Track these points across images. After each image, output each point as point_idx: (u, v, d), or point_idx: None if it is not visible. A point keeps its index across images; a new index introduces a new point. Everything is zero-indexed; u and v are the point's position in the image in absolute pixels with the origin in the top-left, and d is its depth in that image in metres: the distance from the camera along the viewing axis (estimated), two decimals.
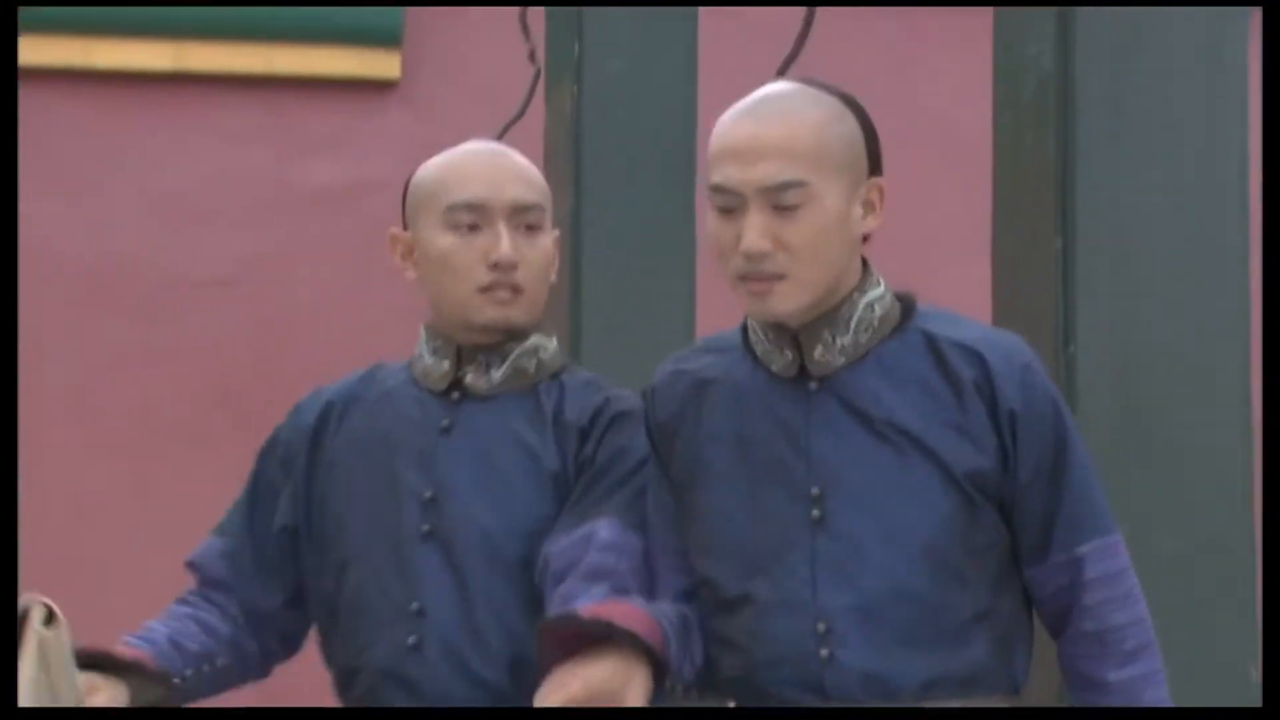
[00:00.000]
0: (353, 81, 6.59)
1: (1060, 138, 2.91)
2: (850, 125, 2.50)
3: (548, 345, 2.79)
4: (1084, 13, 2.94)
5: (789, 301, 2.47)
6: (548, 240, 2.78)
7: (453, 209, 2.74)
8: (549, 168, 4.05)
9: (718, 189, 2.48)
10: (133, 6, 6.52)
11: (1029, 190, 3.00)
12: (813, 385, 2.51)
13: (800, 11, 4.19)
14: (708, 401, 2.57)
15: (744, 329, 2.57)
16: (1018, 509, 2.51)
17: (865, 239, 2.53)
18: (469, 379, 2.76)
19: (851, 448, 2.49)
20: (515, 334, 2.76)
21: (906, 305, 2.54)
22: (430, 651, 2.67)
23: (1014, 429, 2.49)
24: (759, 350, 2.54)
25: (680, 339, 3.78)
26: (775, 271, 2.46)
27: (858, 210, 2.50)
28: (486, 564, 2.69)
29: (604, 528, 2.62)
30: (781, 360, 2.52)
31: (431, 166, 2.82)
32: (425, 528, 2.71)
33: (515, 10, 4.30)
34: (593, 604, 2.50)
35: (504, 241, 2.72)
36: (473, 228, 2.73)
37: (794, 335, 2.51)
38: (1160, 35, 2.96)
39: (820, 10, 4.16)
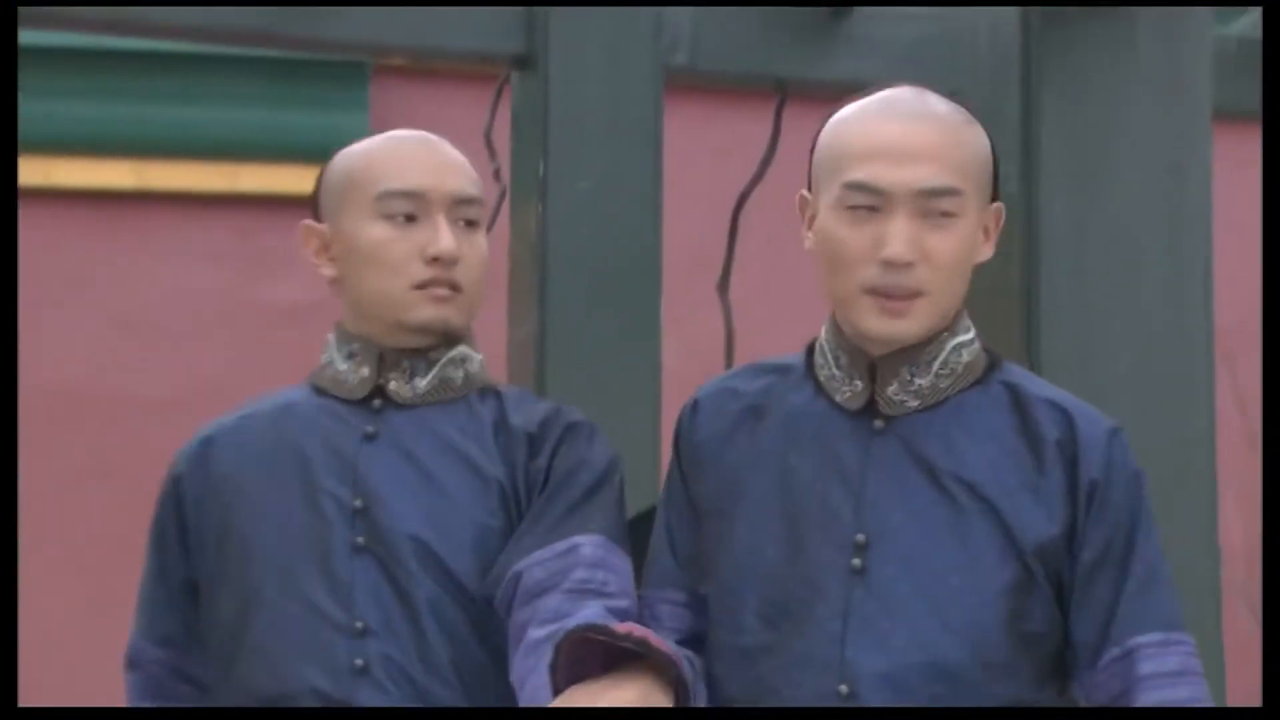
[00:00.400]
0: None
1: (1025, 260, 2.92)
2: (986, 147, 2.32)
3: (474, 357, 2.58)
4: (1049, 134, 2.96)
5: (921, 323, 2.26)
6: (484, 239, 2.59)
7: (386, 197, 2.53)
8: (513, 288, 4.05)
9: (860, 187, 2.25)
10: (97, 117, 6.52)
11: (994, 313, 3.01)
12: (878, 424, 2.29)
13: (765, 133, 4.20)
14: (758, 425, 2.34)
15: (809, 351, 2.36)
16: (1076, 595, 2.25)
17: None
18: (392, 386, 2.54)
19: (908, 498, 2.26)
20: (448, 338, 2.55)
21: (993, 358, 2.34)
22: (378, 673, 2.41)
23: (1090, 501, 2.25)
24: (823, 376, 2.32)
25: (645, 462, 3.76)
26: (914, 287, 2.25)
27: (980, 235, 2.31)
28: (429, 577, 2.45)
29: (588, 544, 2.41)
30: (849, 390, 2.30)
31: (358, 152, 2.60)
32: (359, 540, 2.47)
33: (480, 129, 4.31)
34: (617, 621, 2.27)
35: (444, 234, 2.52)
36: (409, 219, 2.53)
37: (870, 365, 2.28)
38: (1124, 159, 2.98)
39: (785, 130, 4.18)
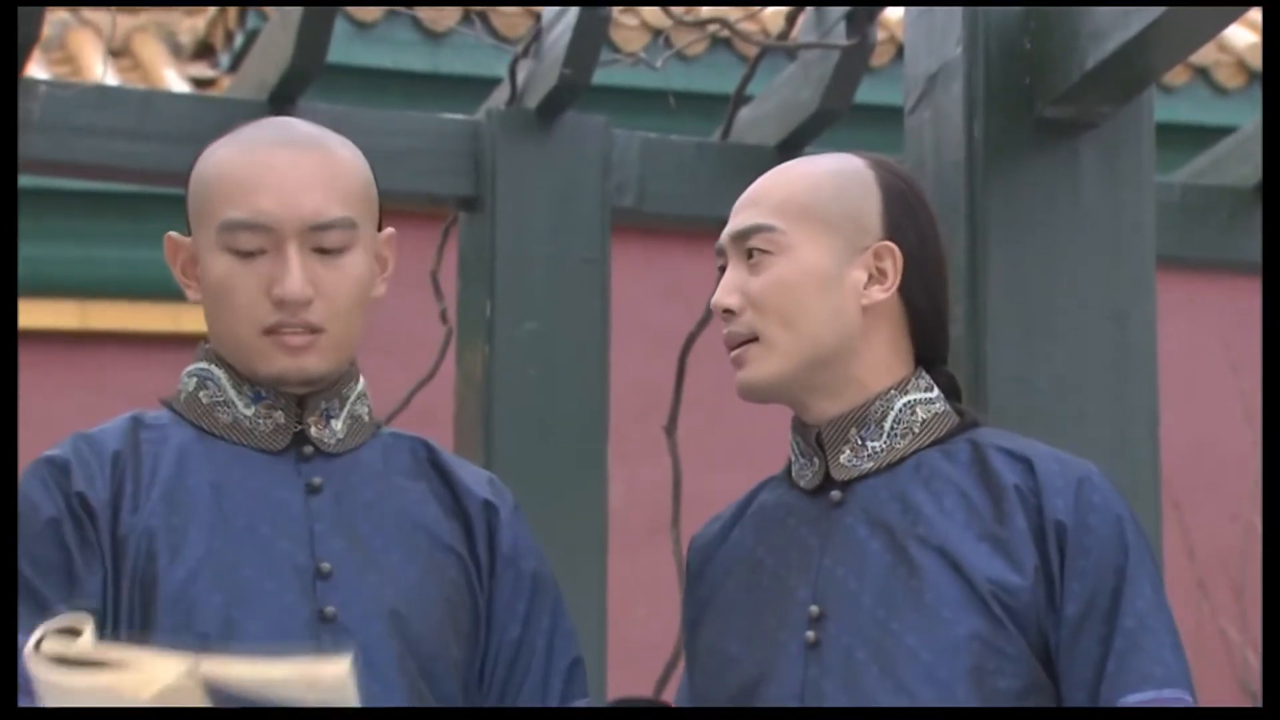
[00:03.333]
0: None
1: (973, 407, 2.91)
2: (853, 183, 2.23)
3: (368, 393, 2.27)
4: (994, 282, 2.96)
5: (761, 367, 2.20)
6: (358, 261, 2.20)
7: (229, 229, 2.16)
8: (459, 429, 4.03)
9: (717, 252, 2.28)
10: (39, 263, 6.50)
11: None
12: (835, 495, 2.20)
13: (712, 274, 4.21)
14: (733, 533, 2.28)
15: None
16: (1063, 654, 2.10)
17: (929, 335, 2.24)
18: (313, 432, 2.20)
19: (864, 564, 2.15)
20: (324, 383, 2.20)
21: (966, 421, 2.25)
22: None
23: (1062, 548, 2.11)
24: (793, 469, 2.26)
25: (591, 602, 3.74)
26: (743, 333, 2.21)
27: (856, 275, 2.21)
28: (410, 656, 2.15)
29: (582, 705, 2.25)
30: (809, 470, 2.23)
31: (213, 159, 2.21)
32: (327, 608, 2.12)
33: (427, 269, 4.30)
34: None
35: (292, 271, 2.14)
36: (255, 253, 2.16)
37: (816, 436, 2.21)
38: (1069, 307, 2.98)
39: None
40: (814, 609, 2.15)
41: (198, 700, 1.82)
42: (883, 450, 2.20)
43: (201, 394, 2.23)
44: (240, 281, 2.16)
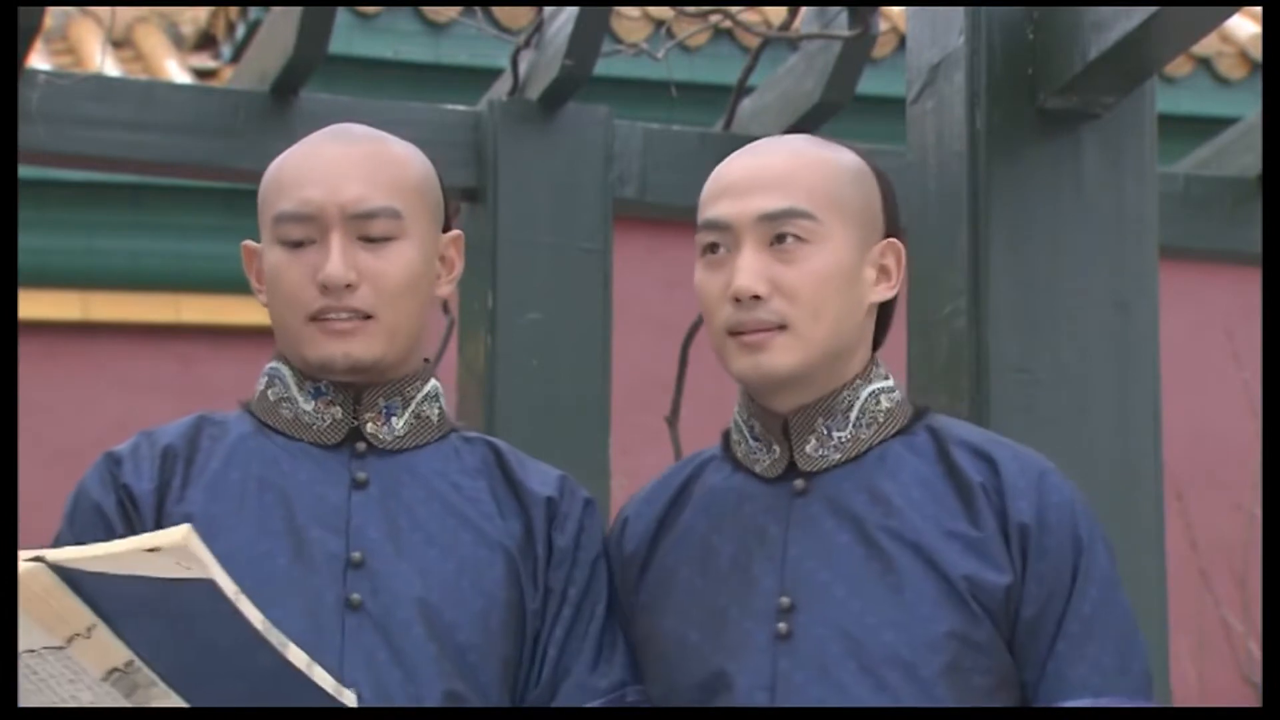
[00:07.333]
0: (261, 330, 6.57)
1: (974, 400, 2.91)
2: (864, 177, 2.21)
3: (443, 394, 2.32)
4: (997, 272, 2.96)
5: (787, 356, 2.14)
6: (407, 251, 2.23)
7: (280, 221, 2.23)
8: (461, 419, 4.02)
9: (708, 225, 2.18)
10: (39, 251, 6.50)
11: None
12: (798, 484, 2.17)
13: None
14: (679, 516, 2.23)
15: (725, 434, 2.26)
16: (1018, 654, 2.11)
17: (885, 321, 2.23)
18: (369, 429, 2.25)
19: (834, 555, 2.12)
20: (376, 373, 2.24)
21: (919, 409, 2.23)
22: None
23: (1024, 550, 2.11)
24: (740, 452, 2.22)
25: None
26: (770, 320, 2.15)
27: (869, 273, 2.19)
28: (436, 645, 2.17)
29: (632, 696, 2.22)
30: (768, 458, 2.19)
31: (274, 162, 2.30)
32: (353, 596, 2.16)
33: None
34: None
35: (332, 256, 2.19)
36: (304, 243, 2.22)
37: (783, 425, 2.18)
38: (1072, 297, 2.98)
39: None
40: (784, 600, 2.12)
41: (49, 585, 1.90)
42: (848, 441, 2.18)
43: (269, 391, 2.29)
44: (288, 270, 2.23)
